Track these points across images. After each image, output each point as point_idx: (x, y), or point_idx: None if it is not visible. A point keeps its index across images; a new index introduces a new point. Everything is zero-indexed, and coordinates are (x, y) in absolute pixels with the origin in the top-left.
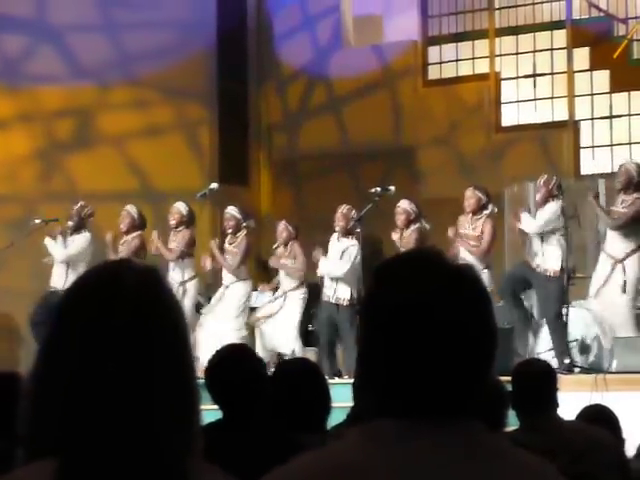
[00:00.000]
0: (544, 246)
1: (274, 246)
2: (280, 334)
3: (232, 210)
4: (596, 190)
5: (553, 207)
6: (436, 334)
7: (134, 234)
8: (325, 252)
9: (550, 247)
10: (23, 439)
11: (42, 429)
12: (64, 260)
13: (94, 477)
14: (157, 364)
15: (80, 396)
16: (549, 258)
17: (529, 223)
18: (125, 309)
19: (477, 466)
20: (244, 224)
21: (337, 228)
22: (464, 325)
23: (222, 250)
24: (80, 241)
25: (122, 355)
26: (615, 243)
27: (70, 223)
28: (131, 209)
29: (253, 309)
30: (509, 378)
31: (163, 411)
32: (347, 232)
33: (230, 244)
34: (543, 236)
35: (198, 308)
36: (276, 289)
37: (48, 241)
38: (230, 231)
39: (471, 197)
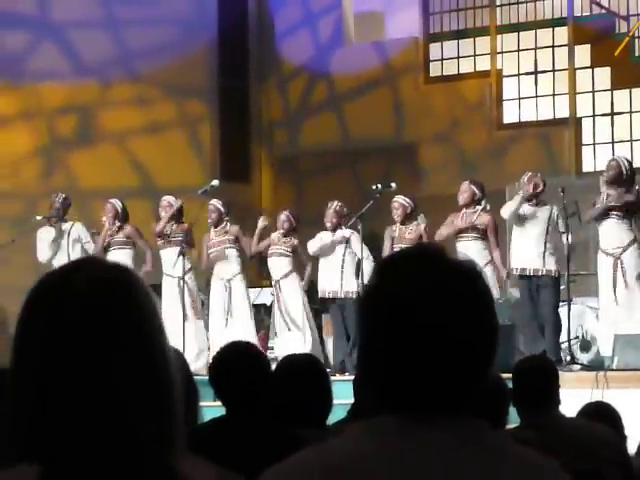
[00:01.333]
0: (547, 246)
1: (274, 235)
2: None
3: (216, 202)
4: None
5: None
6: (436, 330)
7: (127, 226)
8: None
9: (551, 247)
10: (6, 440)
11: (20, 430)
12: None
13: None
14: (117, 360)
15: (45, 395)
16: (550, 259)
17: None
18: (75, 305)
19: (478, 463)
20: (226, 218)
21: (328, 225)
22: (465, 322)
23: (209, 243)
24: (84, 234)
25: (76, 352)
26: (610, 239)
27: (54, 216)
28: (115, 202)
29: (255, 306)
30: (510, 375)
31: (134, 407)
32: (339, 226)
33: (222, 235)
34: (547, 236)
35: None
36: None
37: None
38: (211, 222)
39: (465, 191)
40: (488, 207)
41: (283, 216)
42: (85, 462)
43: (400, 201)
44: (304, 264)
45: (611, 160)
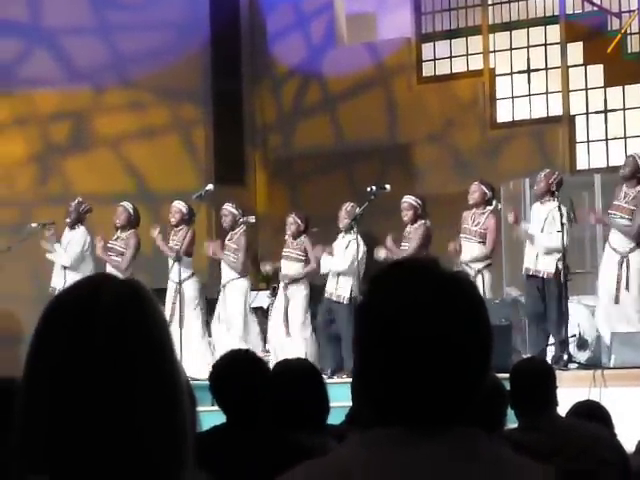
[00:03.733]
0: (540, 246)
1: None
2: (290, 341)
3: (229, 206)
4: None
5: (553, 213)
6: (430, 344)
7: (130, 231)
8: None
9: (545, 247)
10: (15, 452)
11: (31, 444)
12: (70, 264)
13: None
14: (139, 382)
15: (63, 417)
16: (544, 258)
17: (541, 240)
18: (103, 329)
19: (474, 474)
20: (241, 220)
21: (341, 225)
22: (459, 335)
23: (222, 247)
24: (77, 238)
25: (101, 376)
26: (619, 238)
27: (68, 220)
28: (127, 205)
29: (253, 309)
30: (507, 375)
31: (151, 428)
32: (349, 229)
33: (229, 240)
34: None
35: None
36: (274, 288)
37: (50, 255)
38: (226, 226)
39: (475, 191)
40: (500, 206)
41: (290, 219)
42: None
43: (410, 201)
44: (308, 264)
45: (628, 156)
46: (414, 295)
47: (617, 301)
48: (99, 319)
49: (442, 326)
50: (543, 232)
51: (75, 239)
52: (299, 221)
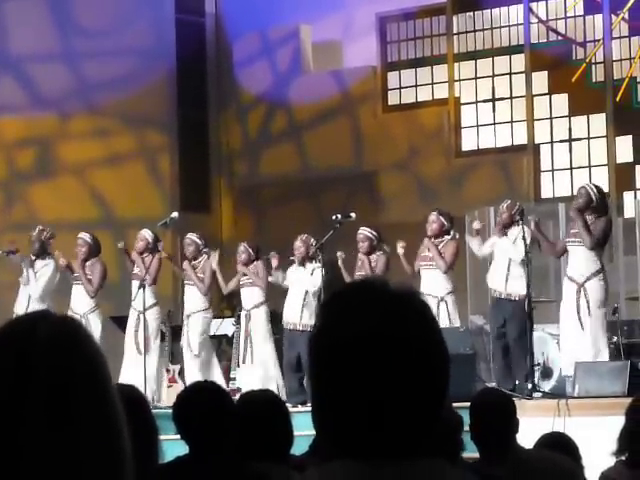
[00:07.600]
0: (510, 271)
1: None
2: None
3: (193, 236)
4: (536, 219)
5: (518, 240)
6: (384, 369)
7: (94, 259)
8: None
9: (515, 272)
10: None
11: None
12: (39, 295)
13: None
14: (80, 426)
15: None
16: (514, 283)
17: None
18: (39, 370)
19: None
20: (204, 250)
21: (297, 254)
22: (412, 357)
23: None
24: (48, 272)
25: (40, 420)
26: (576, 267)
27: (32, 249)
28: (85, 237)
29: (213, 337)
30: (469, 404)
31: (93, 467)
32: (309, 258)
33: (194, 269)
34: (510, 262)
35: (162, 337)
36: (238, 316)
37: (21, 279)
38: (189, 255)
39: (434, 221)
40: (457, 236)
41: (241, 247)
42: None
43: (365, 233)
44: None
45: (580, 188)
46: (364, 320)
47: (582, 328)
48: (35, 360)
49: (394, 352)
50: (510, 260)
51: (46, 273)
52: (250, 250)
